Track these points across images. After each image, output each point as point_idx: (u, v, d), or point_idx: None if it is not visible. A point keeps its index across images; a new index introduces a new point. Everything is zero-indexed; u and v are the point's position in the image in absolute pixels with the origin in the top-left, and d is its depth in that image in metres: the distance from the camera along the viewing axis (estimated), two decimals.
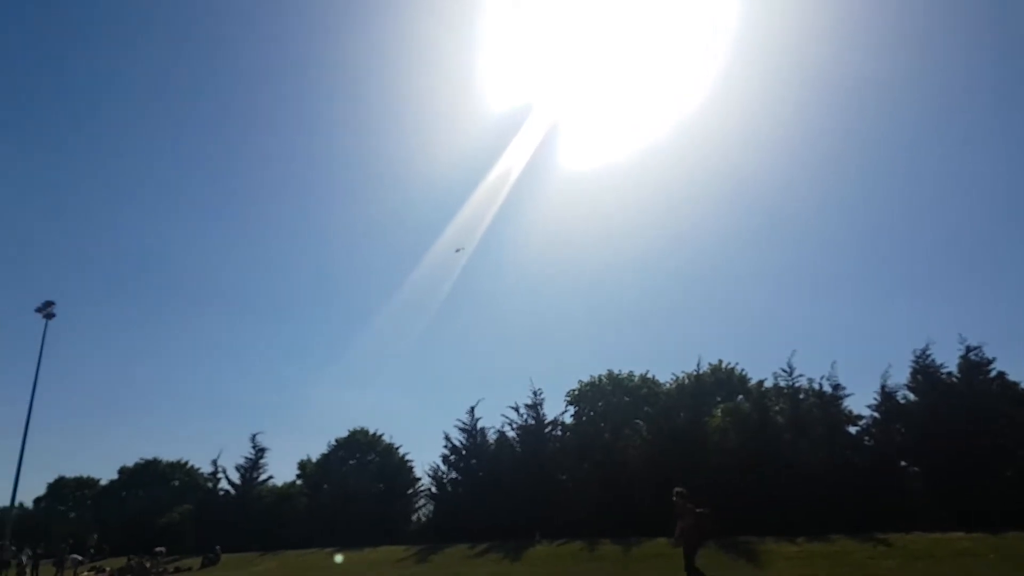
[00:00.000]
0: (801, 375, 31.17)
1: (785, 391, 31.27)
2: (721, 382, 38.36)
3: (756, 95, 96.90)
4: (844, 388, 30.22)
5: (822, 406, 29.91)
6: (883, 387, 29.84)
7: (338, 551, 33.04)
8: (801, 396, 30.80)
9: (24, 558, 38.65)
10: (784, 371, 31.45)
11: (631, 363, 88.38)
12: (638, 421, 34.38)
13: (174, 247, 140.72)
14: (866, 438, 29.79)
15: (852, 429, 30.00)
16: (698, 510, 15.40)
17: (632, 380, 42.51)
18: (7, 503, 46.06)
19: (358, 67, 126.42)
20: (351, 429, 48.85)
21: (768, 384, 32.94)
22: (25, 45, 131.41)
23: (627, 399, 40.80)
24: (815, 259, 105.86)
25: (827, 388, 30.27)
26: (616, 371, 43.47)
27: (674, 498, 15.80)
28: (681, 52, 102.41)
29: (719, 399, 35.05)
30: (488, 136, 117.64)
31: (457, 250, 76.22)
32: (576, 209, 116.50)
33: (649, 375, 42.52)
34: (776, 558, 20.86)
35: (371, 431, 48.57)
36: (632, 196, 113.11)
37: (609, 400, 41.31)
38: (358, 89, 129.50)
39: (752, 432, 29.88)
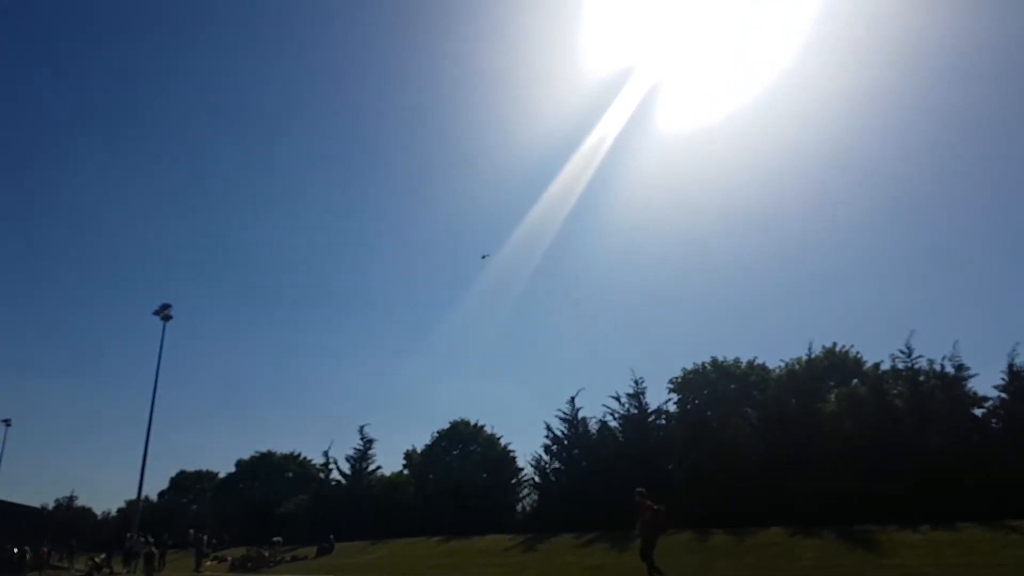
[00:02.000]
0: (920, 356, 29.62)
1: (904, 373, 29.71)
2: (835, 366, 36.71)
3: (868, 55, 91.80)
4: (968, 368, 28.47)
5: (944, 388, 28.28)
6: (1010, 366, 27.85)
7: None
8: (921, 378, 29.22)
9: (152, 548, 40.47)
10: (902, 352, 29.93)
11: (735, 349, 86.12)
12: (747, 409, 33.41)
13: (284, 247, 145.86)
14: (993, 420, 28.05)
15: (977, 411, 28.35)
16: (655, 507, 17.58)
17: (739, 367, 41.11)
18: (134, 497, 48.54)
19: (451, 46, 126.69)
20: (452, 420, 49.52)
21: (885, 367, 31.43)
22: (144, 48, 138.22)
23: (733, 386, 39.61)
24: (929, 233, 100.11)
25: (949, 369, 28.61)
26: (720, 357, 42.25)
27: (635, 497, 18.17)
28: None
29: (833, 384, 33.69)
30: (587, 101, 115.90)
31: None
32: (676, 175, 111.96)
33: (757, 361, 41.13)
34: (899, 547, 19.81)
35: (472, 422, 49.04)
36: (732, 163, 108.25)
37: (715, 388, 40.13)
38: (453, 69, 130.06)
39: (869, 417, 28.52)
